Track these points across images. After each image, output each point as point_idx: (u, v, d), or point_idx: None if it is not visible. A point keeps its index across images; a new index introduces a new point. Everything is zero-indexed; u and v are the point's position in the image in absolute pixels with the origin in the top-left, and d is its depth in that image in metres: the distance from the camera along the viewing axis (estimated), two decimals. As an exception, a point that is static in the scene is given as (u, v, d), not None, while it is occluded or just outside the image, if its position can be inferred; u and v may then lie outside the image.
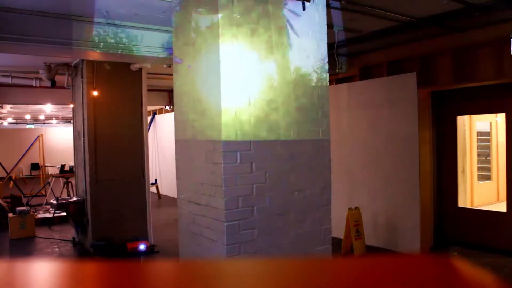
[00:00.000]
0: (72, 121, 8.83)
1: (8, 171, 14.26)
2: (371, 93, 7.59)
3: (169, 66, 6.86)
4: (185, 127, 4.05)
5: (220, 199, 3.56)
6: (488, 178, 9.00)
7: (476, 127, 8.23)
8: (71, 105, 8.53)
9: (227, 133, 3.52)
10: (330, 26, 5.67)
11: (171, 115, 12.81)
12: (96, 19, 5.21)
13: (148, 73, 8.33)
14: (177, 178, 4.25)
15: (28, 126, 23.37)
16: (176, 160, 4.26)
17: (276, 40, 3.80)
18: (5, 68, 7.98)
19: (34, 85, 8.27)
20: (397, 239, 7.22)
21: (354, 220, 6.63)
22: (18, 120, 21.72)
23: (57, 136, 23.24)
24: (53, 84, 7.68)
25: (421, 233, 6.90)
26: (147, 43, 5.64)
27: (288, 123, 3.86)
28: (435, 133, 7.45)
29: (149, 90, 8.54)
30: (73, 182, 9.79)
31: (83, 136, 7.58)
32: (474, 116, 7.92)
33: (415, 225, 6.89)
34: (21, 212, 8.77)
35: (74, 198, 8.15)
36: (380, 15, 5.60)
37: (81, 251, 7.81)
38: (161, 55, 5.80)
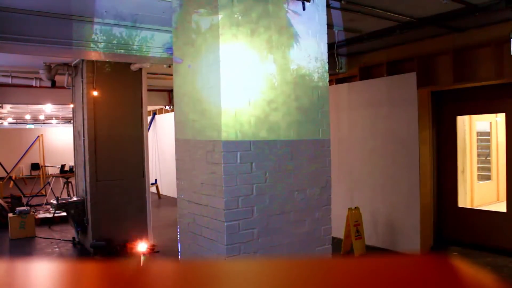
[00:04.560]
0: (72, 121, 8.83)
1: (8, 171, 14.26)
2: (371, 93, 7.59)
3: (169, 66, 6.86)
4: (185, 127, 4.05)
5: (220, 199, 3.56)
6: (488, 178, 8.99)
7: (476, 127, 8.23)
8: (71, 105, 8.53)
9: (227, 133, 3.52)
10: (330, 26, 5.68)
11: (171, 115, 12.81)
12: (96, 19, 5.21)
13: (148, 73, 8.33)
14: (177, 178, 4.25)
15: (28, 126, 23.36)
16: (176, 160, 4.26)
17: (276, 40, 3.80)
18: (5, 68, 7.98)
19: (34, 85, 8.26)
20: (397, 239, 7.22)
21: (354, 220, 6.63)
22: (18, 120, 21.71)
23: (57, 136, 23.24)
24: (53, 84, 7.68)
25: (421, 233, 6.90)
26: (147, 43, 5.64)
27: (288, 123, 3.86)
28: (435, 133, 7.45)
29: (149, 90, 8.54)
30: (73, 182, 9.79)
31: (83, 136, 7.58)
32: (474, 116, 7.92)
33: (415, 225, 6.89)
34: (21, 212, 8.77)
35: (74, 198, 8.14)
36: (380, 15, 5.60)
37: (81, 251, 7.81)
38: (162, 55, 5.80)
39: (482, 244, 6.90)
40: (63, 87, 8.27)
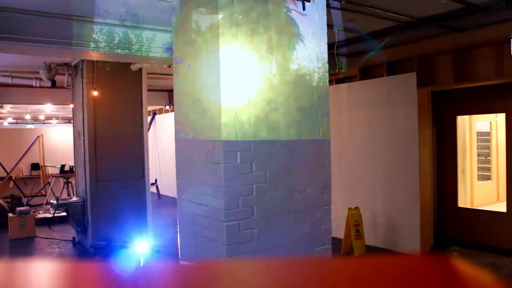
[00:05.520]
0: (72, 121, 8.83)
1: (8, 171, 14.26)
2: (371, 93, 7.59)
3: (169, 66, 6.86)
4: (185, 127, 4.05)
5: (220, 199, 3.56)
6: (488, 178, 8.99)
7: (476, 127, 8.23)
8: (71, 105, 8.53)
9: (227, 133, 3.52)
10: (330, 26, 5.68)
11: (171, 115, 12.81)
12: (96, 19, 5.21)
13: (148, 73, 8.33)
14: (177, 178, 4.25)
15: (28, 126, 23.36)
16: (176, 160, 4.26)
17: (276, 40, 3.79)
18: (5, 68, 7.98)
19: (34, 85, 8.26)
20: (397, 239, 7.21)
21: (354, 220, 6.63)
22: (18, 120, 21.72)
23: (57, 136, 23.23)
24: (53, 84, 7.68)
25: (421, 233, 6.90)
26: (147, 43, 5.64)
27: (288, 123, 3.86)
28: (435, 133, 7.45)
29: (149, 90, 8.54)
30: (73, 182, 9.79)
31: (83, 136, 7.58)
32: (474, 116, 7.92)
33: (415, 225, 6.89)
34: (21, 212, 8.77)
35: (74, 198, 8.14)
36: (380, 15, 5.60)
37: (81, 251, 7.81)
38: (162, 55, 5.80)
39: (482, 244, 6.90)
40: (63, 87, 8.28)
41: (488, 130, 8.95)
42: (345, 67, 8.10)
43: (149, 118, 14.78)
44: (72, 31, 5.19)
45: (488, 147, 9.01)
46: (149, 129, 12.89)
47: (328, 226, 4.15)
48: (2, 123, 22.45)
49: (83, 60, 7.37)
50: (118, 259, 0.73)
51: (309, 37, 4.00)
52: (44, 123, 22.92)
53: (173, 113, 6.91)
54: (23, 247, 8.19)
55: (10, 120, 21.26)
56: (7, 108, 14.94)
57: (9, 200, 10.75)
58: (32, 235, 8.75)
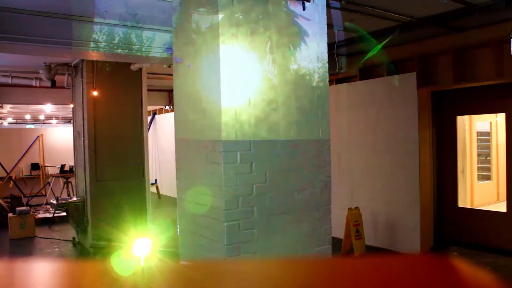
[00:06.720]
0: (72, 121, 8.83)
1: (8, 171, 14.25)
2: (371, 93, 7.59)
3: (169, 66, 6.85)
4: (185, 127, 4.05)
5: (220, 199, 3.56)
6: (488, 178, 8.99)
7: (476, 127, 8.23)
8: (71, 105, 8.53)
9: (227, 133, 3.52)
10: (330, 26, 5.68)
11: (171, 115, 12.80)
12: (96, 19, 5.20)
13: (148, 73, 8.33)
14: (177, 178, 4.25)
15: (28, 126, 23.34)
16: (176, 160, 4.26)
17: (276, 40, 3.79)
18: (5, 68, 7.98)
19: (34, 85, 8.26)
20: (397, 239, 7.22)
21: (354, 220, 6.63)
22: (18, 120, 21.70)
23: (57, 136, 23.21)
24: (53, 84, 7.68)
25: (421, 233, 6.90)
26: (147, 43, 5.64)
27: (288, 123, 3.86)
28: (435, 133, 7.45)
29: (149, 90, 8.54)
30: (73, 182, 9.79)
31: (83, 136, 7.58)
32: (474, 116, 7.92)
33: (415, 225, 6.89)
34: (21, 212, 8.77)
35: (74, 198, 8.14)
36: (380, 15, 5.60)
37: (81, 251, 7.81)
38: (162, 55, 5.80)
39: (482, 244, 6.90)
40: (63, 87, 8.28)
41: (488, 130, 8.95)
42: (345, 67, 8.10)
43: (149, 118, 14.78)
44: (72, 31, 5.19)
45: (488, 147, 9.00)
46: (149, 129, 12.88)
47: (328, 226, 4.15)
48: (2, 123, 22.43)
49: (83, 60, 7.37)
50: (118, 259, 0.73)
51: (309, 37, 4.00)
52: (44, 123, 22.90)
53: (173, 113, 6.91)
54: (23, 247, 8.19)
55: (10, 120, 21.25)
56: (7, 108, 14.93)
57: (9, 200, 10.76)
58: (32, 235, 8.75)
